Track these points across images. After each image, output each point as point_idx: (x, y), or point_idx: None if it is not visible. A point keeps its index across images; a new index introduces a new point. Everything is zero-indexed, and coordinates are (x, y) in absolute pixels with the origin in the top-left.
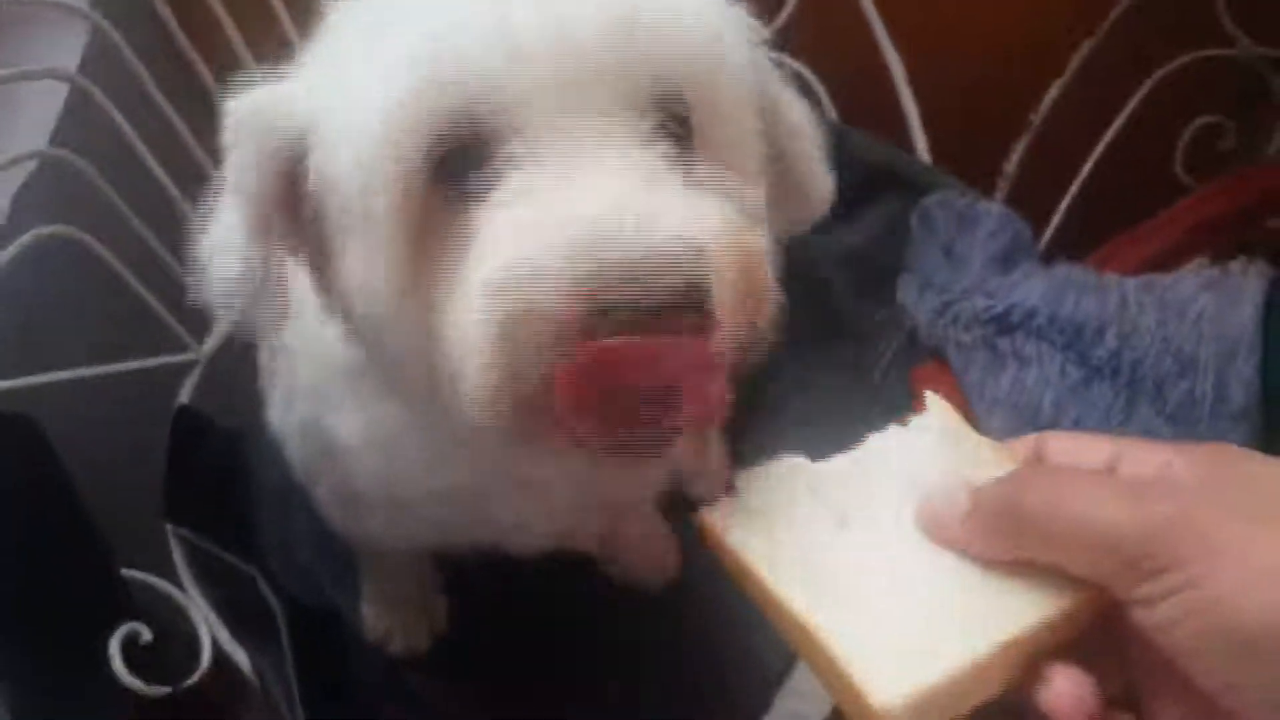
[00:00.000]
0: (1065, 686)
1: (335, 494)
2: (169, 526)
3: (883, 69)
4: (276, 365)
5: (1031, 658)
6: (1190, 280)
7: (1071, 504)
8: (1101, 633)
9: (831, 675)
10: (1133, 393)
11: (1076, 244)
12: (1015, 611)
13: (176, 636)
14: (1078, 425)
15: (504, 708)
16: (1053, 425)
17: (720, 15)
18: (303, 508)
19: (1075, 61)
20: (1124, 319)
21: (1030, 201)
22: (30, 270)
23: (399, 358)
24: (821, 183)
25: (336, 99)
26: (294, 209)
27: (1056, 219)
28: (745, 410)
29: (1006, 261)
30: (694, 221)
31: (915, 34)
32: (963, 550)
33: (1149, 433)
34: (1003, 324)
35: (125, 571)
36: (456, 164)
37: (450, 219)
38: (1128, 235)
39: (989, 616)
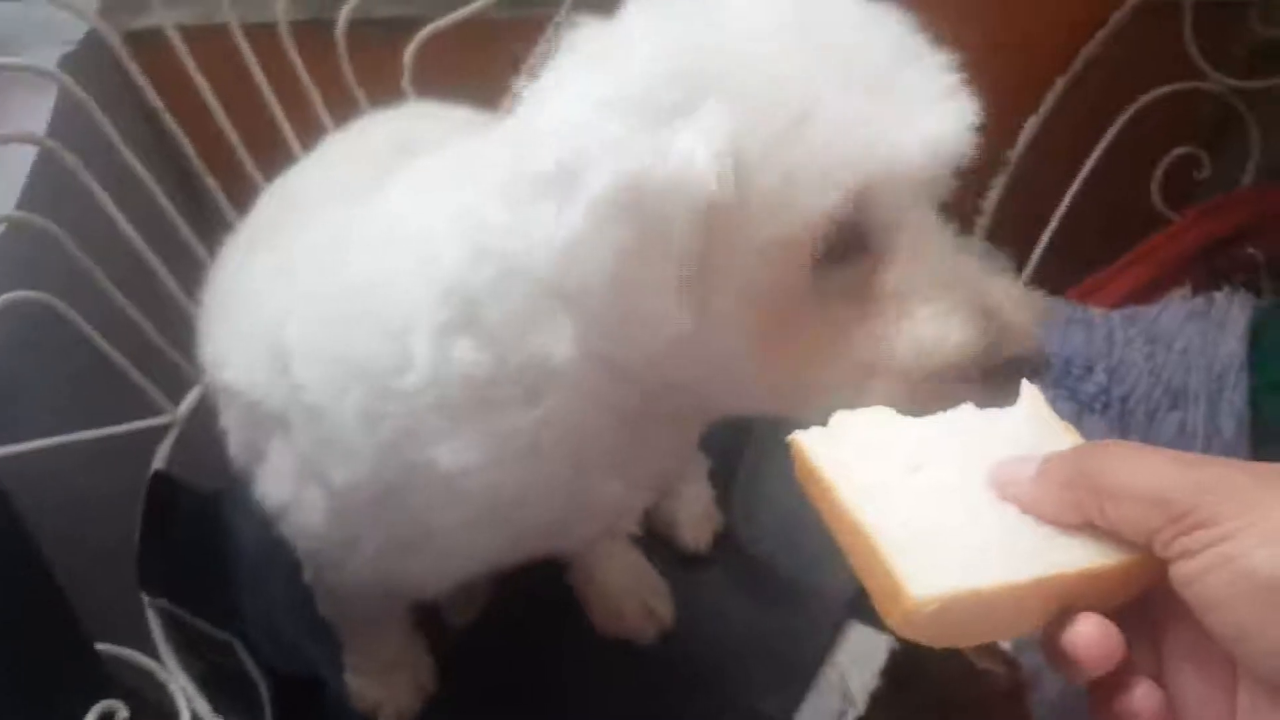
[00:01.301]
0: (1089, 627)
1: (380, 547)
2: (145, 597)
3: None
4: (265, 428)
5: (1067, 605)
6: (1176, 311)
7: (1131, 465)
8: (1138, 607)
9: (877, 575)
10: (1124, 426)
11: (1058, 279)
12: (1061, 555)
13: (156, 711)
14: None
15: None
16: None
17: None
18: (281, 575)
19: (1050, 98)
20: (1112, 352)
21: (1010, 237)
22: (6, 337)
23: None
24: None
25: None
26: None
27: (1037, 254)
28: (734, 457)
29: None
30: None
31: None
32: (1026, 507)
33: None
34: None
35: (101, 646)
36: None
37: (828, 281)
38: (1109, 268)
39: (1035, 553)
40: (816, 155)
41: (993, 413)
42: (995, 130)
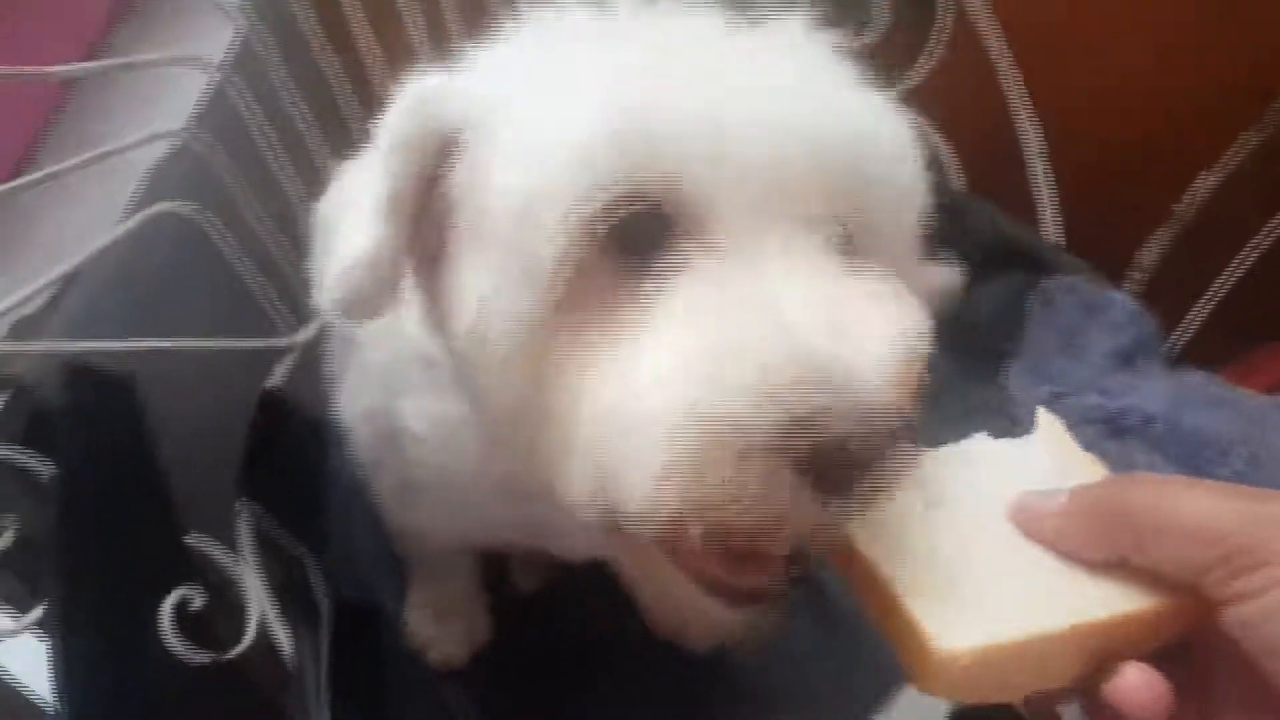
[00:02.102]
0: (1135, 676)
1: (394, 482)
2: (239, 500)
3: (1016, 140)
4: (349, 352)
5: (1103, 652)
6: None
7: (1177, 499)
8: (1178, 653)
9: (900, 629)
10: None
11: (1213, 351)
12: (1094, 600)
13: (227, 610)
14: None
15: None
16: None
17: (908, 141)
18: (366, 507)
19: (1232, 152)
20: (1254, 438)
21: (1166, 298)
22: (152, 242)
23: (495, 387)
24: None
25: (507, 113)
26: (422, 200)
27: (1194, 321)
28: None
29: (1129, 359)
30: (893, 340)
31: (1054, 106)
32: (1050, 544)
33: None
34: (1115, 426)
35: (189, 538)
36: (630, 229)
37: (614, 282)
38: (1273, 347)
39: (1066, 598)
40: (576, 100)
41: (1010, 442)
42: (1164, 179)
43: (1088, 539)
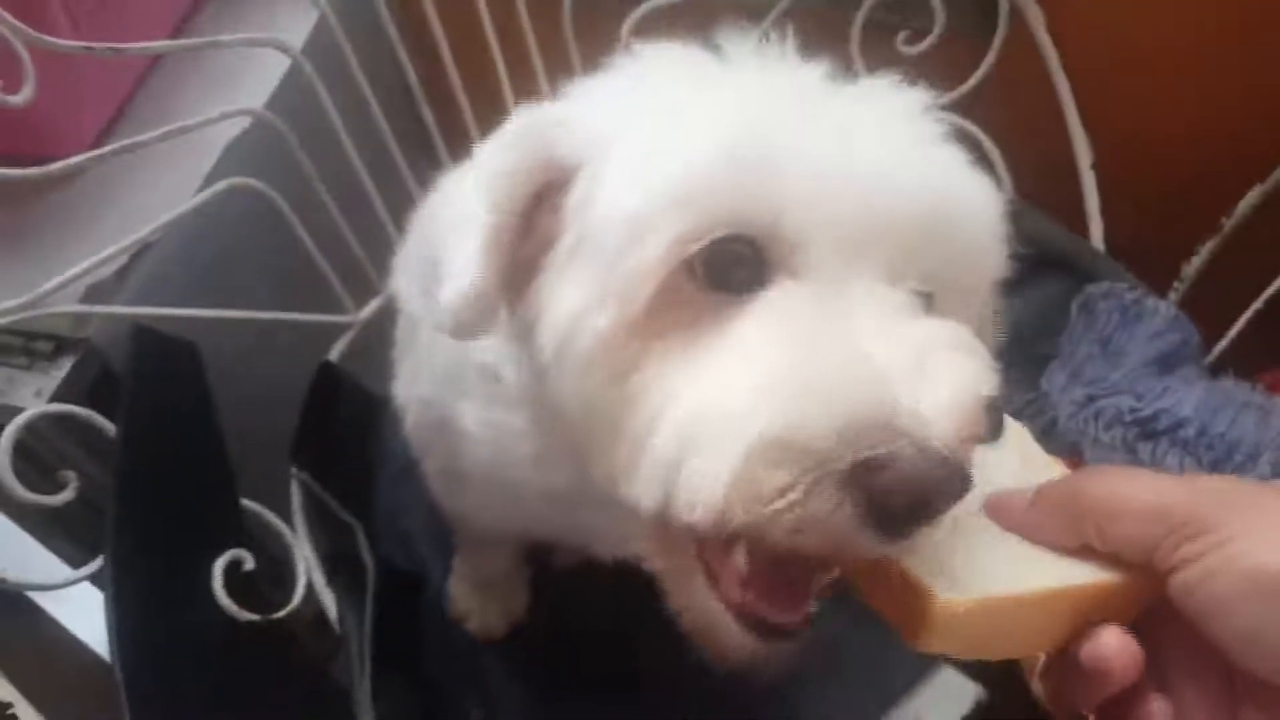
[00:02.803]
0: (1112, 637)
1: (441, 469)
2: (293, 468)
3: (1067, 148)
4: (412, 340)
5: (1078, 623)
6: None
7: (1128, 486)
8: (1142, 624)
9: (901, 594)
10: None
11: (1252, 362)
12: (1065, 572)
13: (276, 574)
14: None
15: (566, 705)
16: None
17: (992, 204)
18: (417, 479)
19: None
20: None
21: (1209, 308)
22: (222, 216)
23: (574, 396)
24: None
25: (622, 144)
26: (525, 226)
27: (1234, 331)
28: None
29: (1166, 365)
30: (969, 390)
31: (1107, 116)
32: (1024, 536)
33: None
34: (1147, 428)
35: (243, 502)
36: (722, 257)
37: (701, 304)
38: None
39: (1052, 569)
40: (691, 133)
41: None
42: (1211, 192)
43: (1055, 529)
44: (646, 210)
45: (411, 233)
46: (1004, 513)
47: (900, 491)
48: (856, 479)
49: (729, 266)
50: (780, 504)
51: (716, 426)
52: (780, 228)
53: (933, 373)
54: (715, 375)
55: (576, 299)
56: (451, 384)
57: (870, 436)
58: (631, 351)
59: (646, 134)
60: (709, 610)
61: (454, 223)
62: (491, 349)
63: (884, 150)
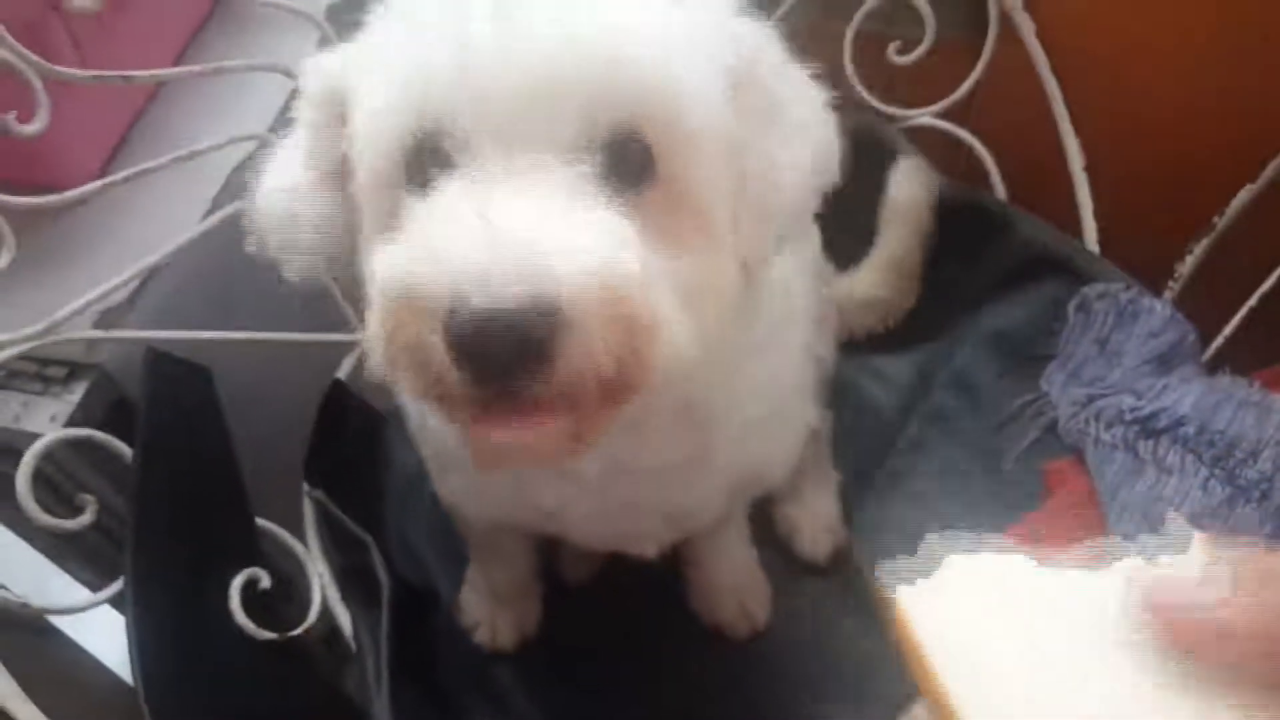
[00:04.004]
0: None
1: (434, 454)
2: (305, 486)
3: (1059, 150)
4: None
5: None
6: None
7: None
8: None
9: None
10: None
11: (1248, 359)
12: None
13: (291, 592)
14: None
15: (577, 717)
16: None
17: (688, 45)
18: (426, 492)
19: (1271, 169)
20: None
21: (1204, 305)
22: (230, 239)
23: None
24: (797, 219)
25: (363, 79)
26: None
27: (1228, 330)
28: (863, 476)
29: (1164, 364)
30: (560, 255)
31: (1097, 118)
32: (1202, 647)
33: None
34: (1147, 427)
35: (258, 521)
36: (424, 162)
37: (403, 199)
38: None
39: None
40: (377, 67)
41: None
42: (1203, 191)
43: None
44: (364, 132)
45: None
46: (1176, 605)
47: (463, 328)
48: (445, 322)
49: (424, 166)
50: (402, 352)
51: (373, 296)
52: (447, 128)
53: (528, 239)
54: (383, 255)
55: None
56: None
57: (458, 285)
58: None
59: (377, 64)
60: (719, 593)
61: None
62: None
63: (538, 28)
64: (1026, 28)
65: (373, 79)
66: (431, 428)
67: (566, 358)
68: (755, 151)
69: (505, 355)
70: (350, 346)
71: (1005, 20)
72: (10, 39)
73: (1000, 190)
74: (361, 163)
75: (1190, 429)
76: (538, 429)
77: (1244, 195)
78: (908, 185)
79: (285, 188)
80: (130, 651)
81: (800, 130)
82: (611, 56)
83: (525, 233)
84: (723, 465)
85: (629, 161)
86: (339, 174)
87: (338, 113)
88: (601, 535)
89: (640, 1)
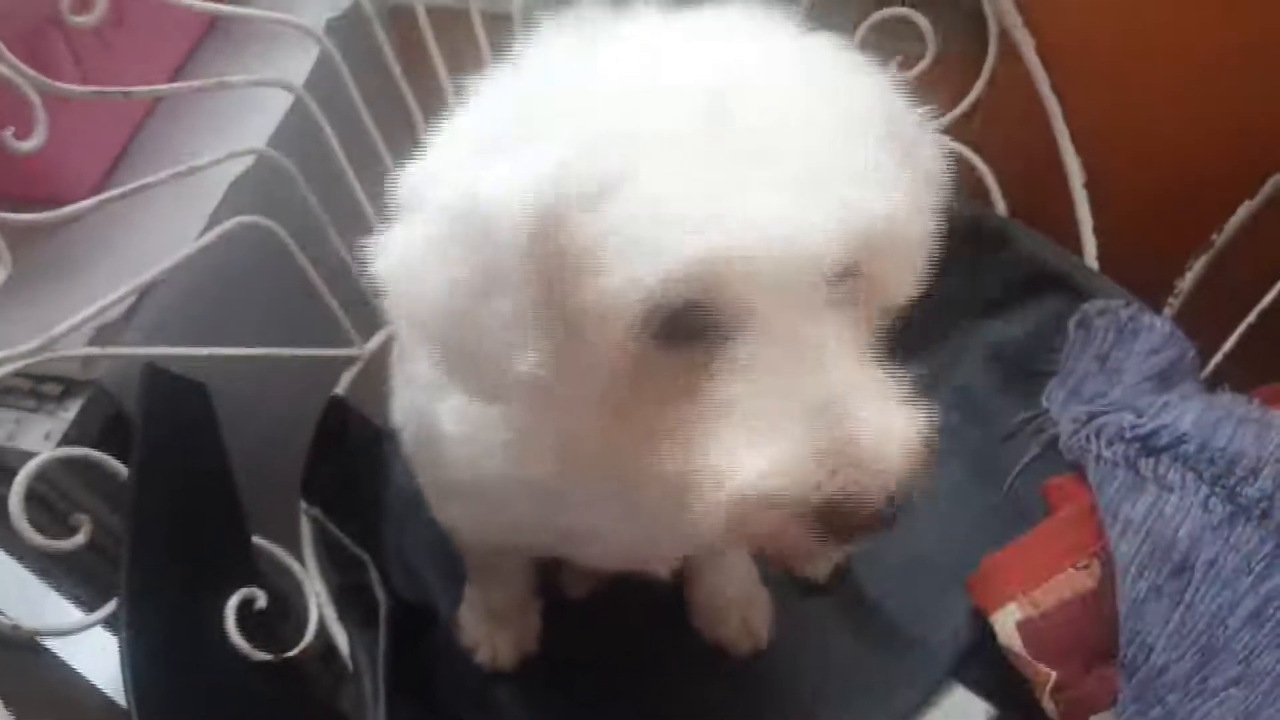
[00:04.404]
0: None
1: (433, 480)
2: (302, 503)
3: (1059, 167)
4: (401, 363)
5: None
6: None
7: None
8: None
9: None
10: None
11: (1248, 374)
12: None
13: (288, 610)
14: (1214, 565)
15: None
16: (1185, 560)
17: (905, 188)
18: (424, 510)
19: (1269, 186)
20: None
21: (1202, 322)
22: (228, 253)
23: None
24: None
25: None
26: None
27: (1228, 346)
28: None
29: (1164, 381)
30: (910, 433)
31: (1097, 135)
32: None
33: None
34: (1148, 444)
35: (255, 539)
36: (683, 322)
37: (670, 363)
38: None
39: None
40: (636, 222)
41: None
42: (1202, 208)
43: None
44: (609, 298)
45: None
46: None
47: (853, 517)
48: (819, 513)
49: (691, 331)
50: (761, 531)
51: (705, 490)
52: (725, 295)
53: (877, 418)
54: (710, 431)
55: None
56: (429, 387)
57: (831, 484)
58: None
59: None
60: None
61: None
62: None
63: (802, 191)
64: (1026, 45)
65: (621, 237)
66: (432, 456)
67: None
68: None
69: (868, 534)
70: (349, 362)
71: (1005, 37)
72: (9, 55)
73: (1001, 205)
74: (614, 324)
75: (1191, 446)
76: None
77: (1243, 211)
78: None
79: (485, 323)
80: (123, 673)
81: (932, 177)
82: (866, 226)
83: (867, 421)
84: None
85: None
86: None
87: (549, 230)
88: (619, 557)
89: (875, 159)
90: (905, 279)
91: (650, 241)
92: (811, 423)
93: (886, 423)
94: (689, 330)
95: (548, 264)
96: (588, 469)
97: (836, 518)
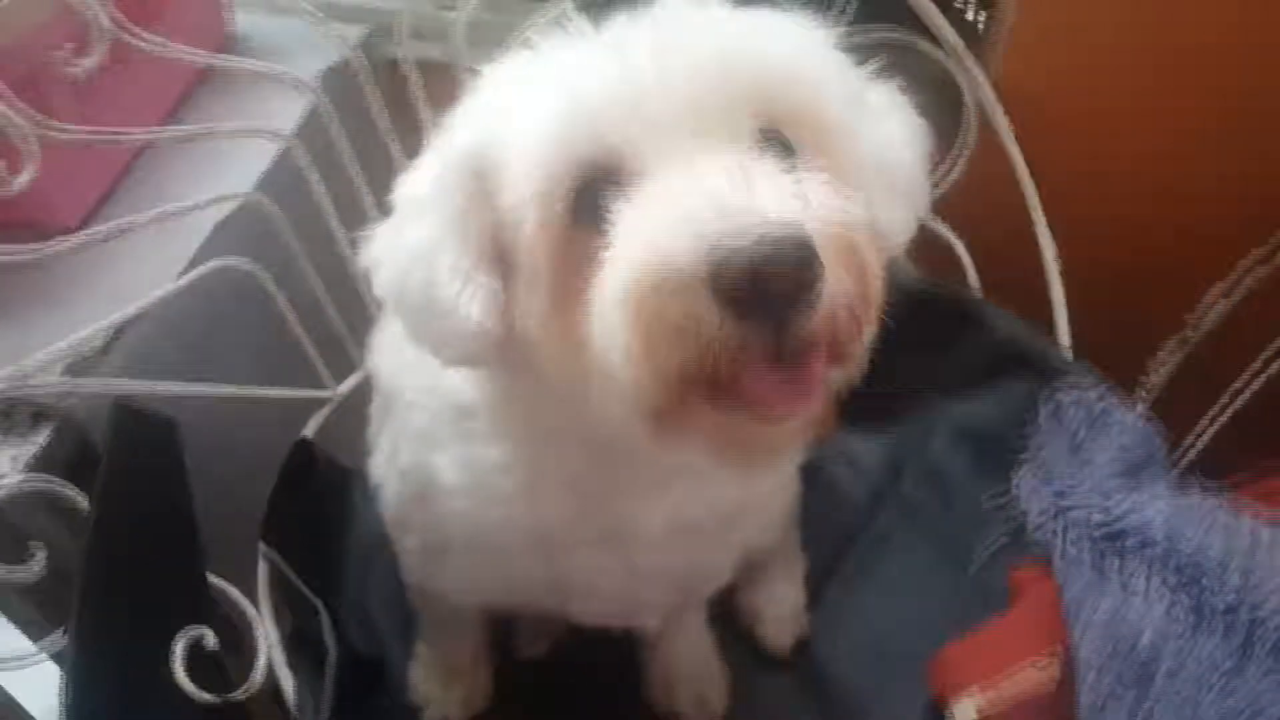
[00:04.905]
0: None
1: (422, 544)
2: (261, 545)
3: (1034, 249)
4: (387, 414)
5: None
6: None
7: None
8: None
9: None
10: (1246, 651)
11: (1223, 464)
12: None
13: (237, 649)
14: (1175, 676)
15: None
16: (1148, 666)
17: (814, 47)
18: (385, 560)
19: (1241, 272)
20: (1252, 564)
21: (1175, 404)
22: (207, 293)
23: (550, 378)
24: (917, 193)
25: (501, 146)
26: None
27: (1202, 437)
28: (829, 565)
29: (1134, 474)
30: (799, 202)
31: (1071, 217)
32: None
33: (1256, 700)
34: (1114, 542)
35: (211, 579)
36: (593, 195)
37: (589, 240)
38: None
39: None
40: (527, 117)
41: None
42: (1176, 293)
43: None
44: (518, 185)
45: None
46: None
47: (740, 273)
48: (718, 278)
49: (598, 204)
50: (666, 333)
51: (609, 308)
52: (616, 154)
53: (772, 192)
54: (604, 273)
55: (520, 293)
56: (427, 440)
57: (718, 238)
58: (570, 306)
59: (505, 127)
60: (677, 681)
61: (436, 270)
62: (466, 387)
63: (692, 38)
64: (1004, 128)
65: (527, 136)
66: (425, 516)
67: (826, 293)
68: (869, 136)
69: (784, 292)
70: (320, 403)
71: (982, 119)
72: (8, 93)
73: (974, 282)
74: (529, 218)
75: (1158, 550)
76: (811, 393)
77: (1215, 294)
78: None
79: (435, 279)
80: (62, 710)
81: (893, 112)
82: (759, 63)
83: (764, 187)
84: (751, 521)
85: (776, 158)
86: (490, 252)
87: (484, 188)
88: (612, 608)
89: (773, 21)
90: (840, 166)
91: (534, 122)
92: (703, 201)
93: (783, 190)
94: (601, 206)
95: (481, 206)
96: (591, 499)
97: (737, 278)
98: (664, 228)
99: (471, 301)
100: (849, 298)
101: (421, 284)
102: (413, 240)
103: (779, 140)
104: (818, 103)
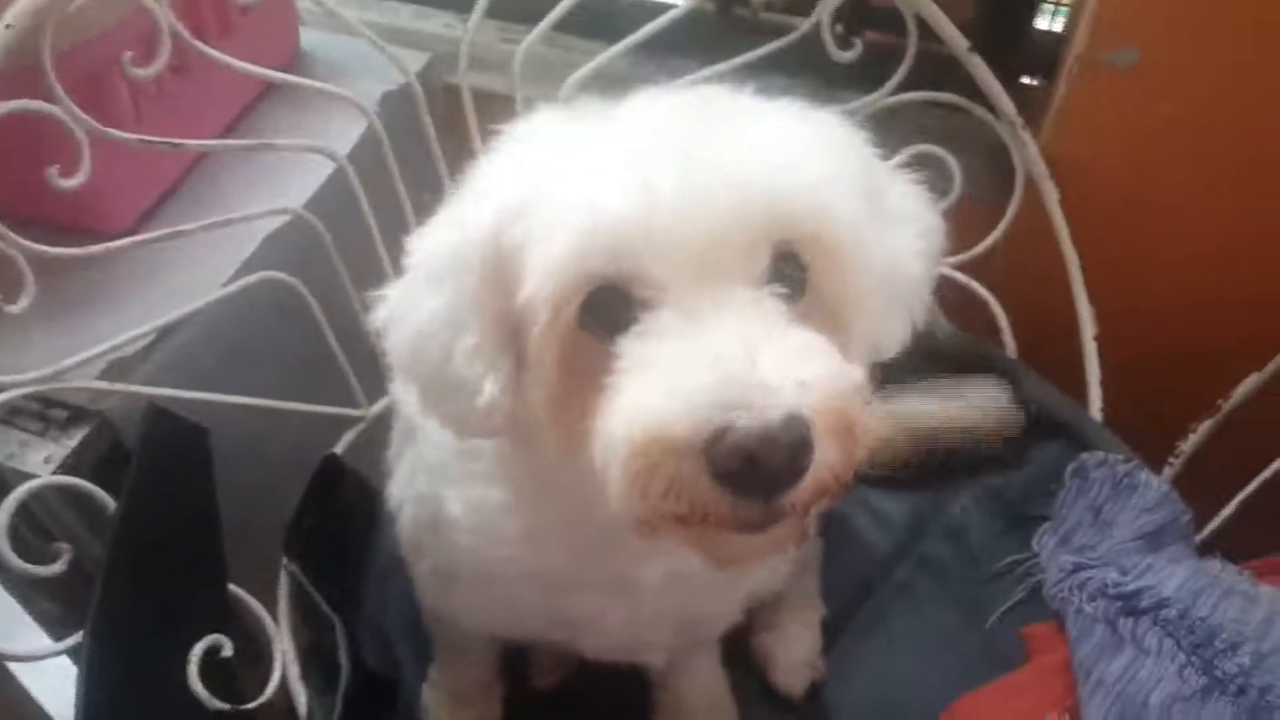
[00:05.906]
0: None
1: (433, 568)
2: (283, 558)
3: (1072, 317)
4: (408, 441)
5: None
6: None
7: None
8: None
9: None
10: (1255, 717)
11: (1243, 543)
12: None
13: (252, 659)
14: None
15: None
16: None
17: (838, 166)
18: (402, 580)
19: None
20: (1265, 636)
21: (1202, 486)
22: (250, 302)
23: (553, 452)
24: (916, 304)
25: (521, 237)
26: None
27: (1225, 513)
28: (845, 613)
29: (1155, 541)
30: (801, 377)
31: (1113, 290)
32: None
33: None
34: (1129, 605)
35: (231, 588)
36: (606, 305)
37: (599, 346)
38: None
39: None
40: (547, 223)
41: None
42: (1210, 372)
43: None
44: (531, 289)
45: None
46: None
47: (735, 454)
48: (712, 452)
49: (611, 314)
50: (659, 485)
51: (614, 440)
52: (630, 276)
53: (773, 362)
54: (615, 404)
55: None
56: (438, 474)
57: (717, 416)
58: (571, 401)
59: (529, 230)
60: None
61: (453, 350)
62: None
63: (708, 169)
64: (1051, 195)
65: (545, 244)
66: (436, 541)
67: (815, 467)
68: (882, 245)
69: (776, 473)
70: (354, 421)
71: (1030, 185)
72: (65, 98)
73: (1011, 346)
74: (540, 319)
75: (1172, 612)
76: (779, 531)
77: (1251, 382)
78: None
79: (452, 357)
80: (76, 706)
81: (913, 220)
82: (777, 195)
83: (769, 361)
84: (754, 571)
85: (788, 279)
86: (503, 333)
87: (501, 276)
88: (617, 645)
89: (793, 140)
90: (862, 285)
91: (554, 229)
92: (708, 370)
93: (786, 367)
94: (611, 315)
95: (498, 292)
96: (591, 551)
97: (731, 458)
98: (668, 390)
99: (489, 385)
100: (835, 468)
101: (437, 360)
102: (427, 312)
103: (793, 257)
104: (835, 234)
